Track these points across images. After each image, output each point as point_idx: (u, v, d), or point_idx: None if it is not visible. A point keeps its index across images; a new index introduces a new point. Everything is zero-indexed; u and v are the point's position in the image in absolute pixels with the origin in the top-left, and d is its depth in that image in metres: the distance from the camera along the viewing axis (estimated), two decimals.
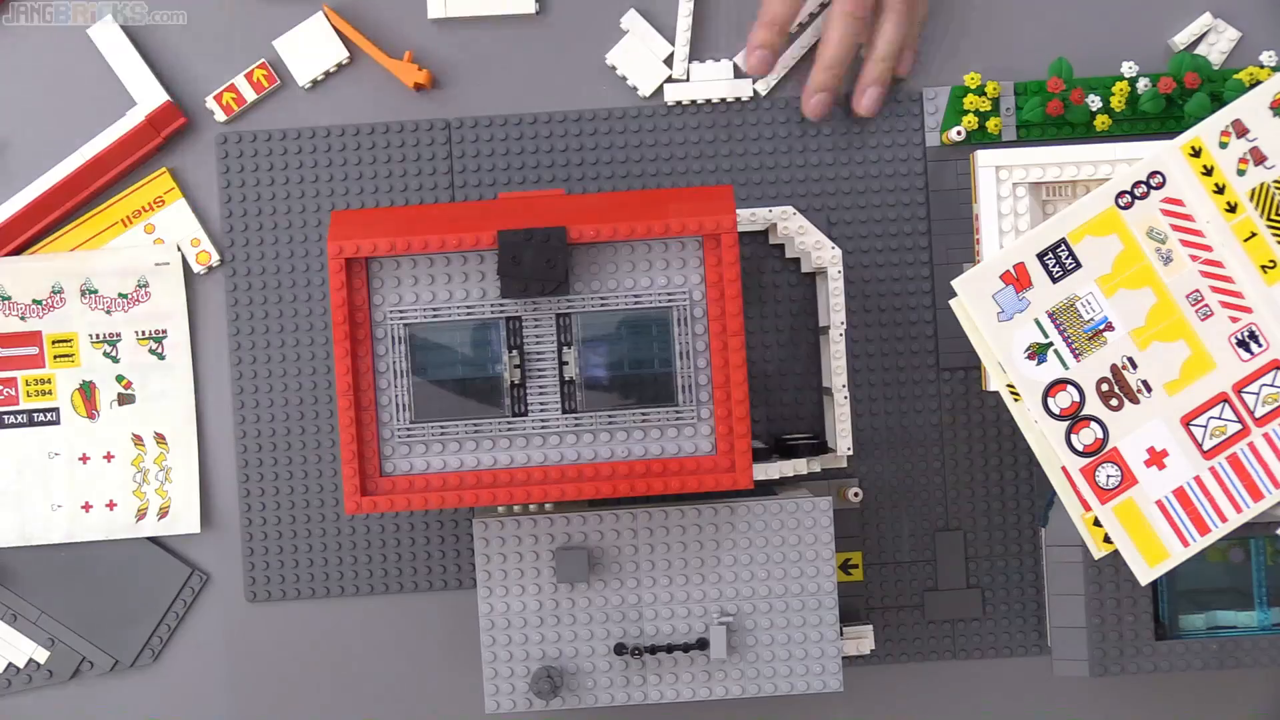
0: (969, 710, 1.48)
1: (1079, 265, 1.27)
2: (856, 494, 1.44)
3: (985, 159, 1.29)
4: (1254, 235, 1.26)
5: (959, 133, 1.46)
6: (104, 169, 1.46)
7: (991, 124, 1.45)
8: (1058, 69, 1.45)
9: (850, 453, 1.40)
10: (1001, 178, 1.29)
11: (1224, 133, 1.27)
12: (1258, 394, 1.27)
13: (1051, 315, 1.27)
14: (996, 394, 1.43)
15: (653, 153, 1.47)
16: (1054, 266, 1.26)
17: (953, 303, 1.30)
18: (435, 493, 1.28)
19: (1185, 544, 1.27)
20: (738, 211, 1.37)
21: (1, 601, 1.47)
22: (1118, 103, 1.45)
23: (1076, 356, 1.27)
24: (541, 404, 1.29)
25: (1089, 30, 1.48)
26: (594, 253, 1.28)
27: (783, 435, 1.44)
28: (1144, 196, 1.26)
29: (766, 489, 1.40)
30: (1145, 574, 1.27)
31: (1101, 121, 1.45)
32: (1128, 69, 1.45)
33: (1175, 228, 1.26)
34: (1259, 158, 1.26)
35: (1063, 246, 1.26)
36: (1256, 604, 1.38)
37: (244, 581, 1.48)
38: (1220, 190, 1.26)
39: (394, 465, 1.29)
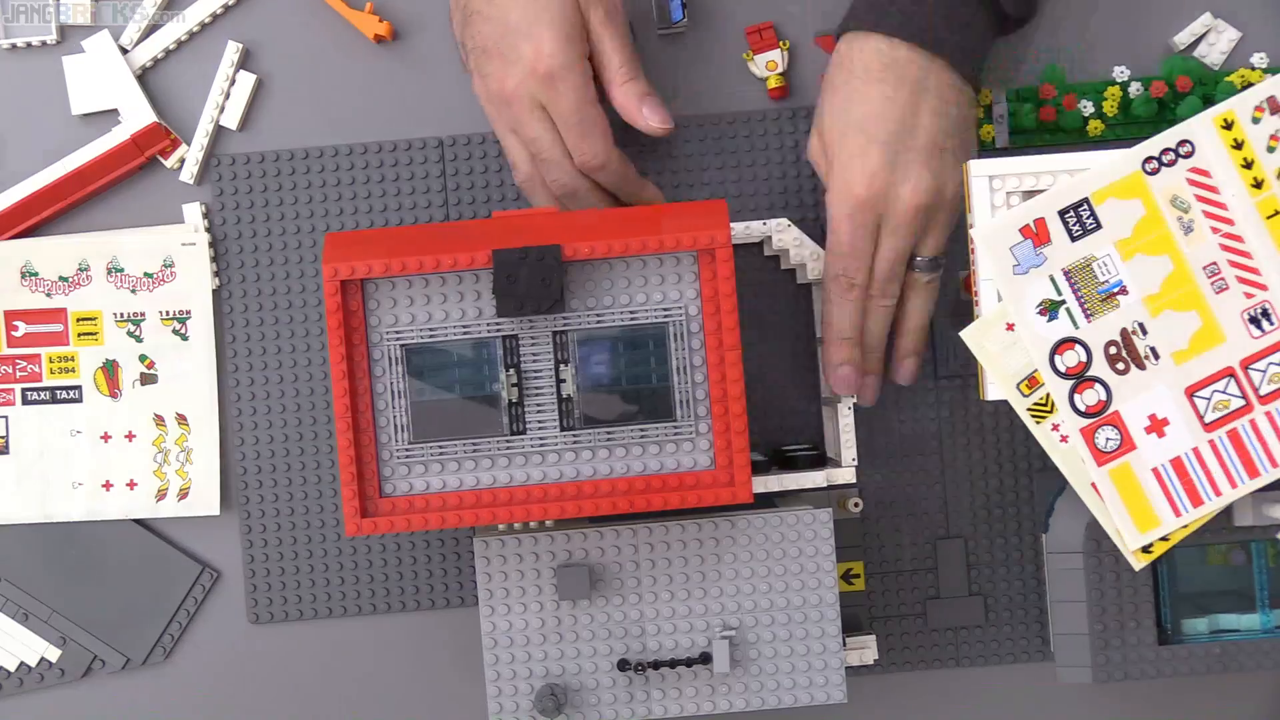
0: (972, 718, 1.48)
1: (1099, 226, 1.27)
2: (857, 504, 1.44)
3: (978, 169, 1.29)
4: (1277, 214, 1.26)
5: None
6: (85, 182, 1.46)
7: (984, 131, 1.46)
8: (1050, 75, 1.45)
9: (855, 463, 1.39)
10: (995, 187, 1.29)
11: (1258, 108, 1.27)
12: (1264, 372, 1.27)
13: (1067, 274, 1.27)
14: (994, 402, 1.43)
15: (644, 166, 1.47)
16: (1074, 225, 1.27)
17: (964, 334, 1.29)
18: (435, 513, 1.28)
19: (1177, 514, 1.27)
20: (732, 225, 1.37)
21: (13, 600, 1.47)
22: (1110, 108, 1.45)
23: (1088, 317, 1.27)
24: (540, 422, 1.29)
25: (1081, 35, 1.48)
26: (589, 270, 1.28)
27: (781, 447, 1.44)
28: (1171, 164, 1.26)
29: (767, 501, 1.40)
30: (1136, 539, 1.28)
31: (1094, 127, 1.45)
32: (1119, 73, 1.45)
33: (1199, 198, 1.26)
34: None
35: (1085, 206, 1.26)
36: (1259, 607, 1.38)
37: (246, 604, 1.48)
38: (1248, 165, 1.26)
39: (394, 486, 1.29)
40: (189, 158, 1.47)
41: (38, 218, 1.46)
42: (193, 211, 1.47)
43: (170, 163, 1.47)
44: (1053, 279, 1.27)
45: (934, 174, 1.33)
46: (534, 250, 1.25)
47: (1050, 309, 1.27)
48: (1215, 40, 1.47)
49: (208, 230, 1.47)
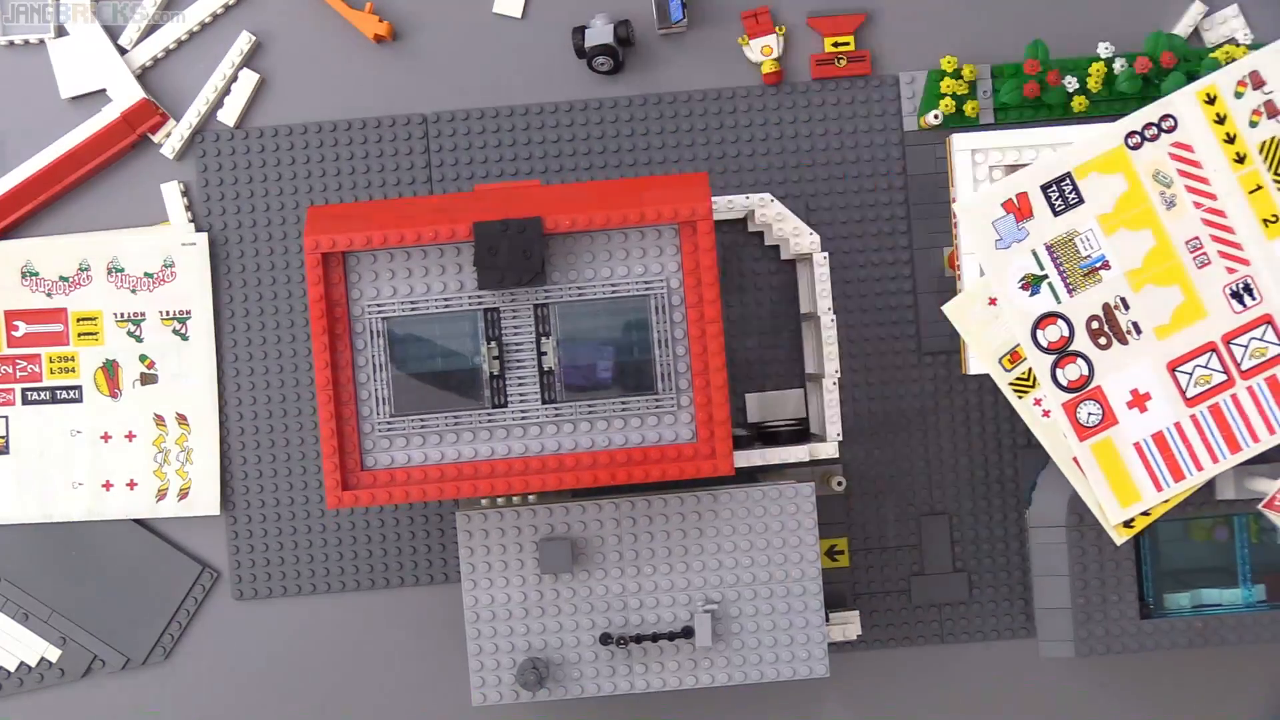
0: (956, 693, 1.48)
1: (1081, 201, 1.27)
2: (840, 482, 1.44)
3: (961, 142, 1.29)
4: (1259, 189, 1.26)
5: (936, 116, 1.45)
6: (79, 162, 1.46)
7: (969, 107, 1.45)
8: (1034, 51, 1.45)
9: (840, 439, 1.39)
10: (978, 160, 1.29)
11: (1241, 83, 1.27)
12: (1246, 347, 1.27)
13: (1049, 248, 1.27)
14: (978, 377, 1.43)
15: (629, 142, 1.47)
16: (1056, 199, 1.27)
17: (946, 308, 1.30)
18: (416, 485, 1.28)
19: (1159, 488, 1.27)
20: (714, 199, 1.37)
21: (13, 600, 1.47)
22: (1094, 84, 1.45)
23: (1070, 291, 1.27)
24: (521, 395, 1.29)
25: (1065, 11, 1.48)
26: (570, 243, 1.28)
27: (764, 422, 1.44)
28: (1154, 139, 1.27)
29: (750, 476, 1.40)
30: (1117, 514, 1.28)
31: (1079, 103, 1.45)
32: (1103, 49, 1.45)
33: (1182, 173, 1.27)
34: (1273, 111, 1.27)
35: (1067, 180, 1.27)
36: (1240, 581, 1.38)
37: (230, 580, 1.48)
38: (1231, 140, 1.26)
39: (375, 459, 1.29)
40: (175, 133, 1.47)
41: (34, 203, 1.46)
42: (171, 190, 1.47)
43: (158, 138, 1.47)
44: (1035, 253, 1.27)
45: None
46: (515, 223, 1.25)
47: (1032, 283, 1.27)
48: (1210, 26, 1.47)
49: (187, 209, 1.47)
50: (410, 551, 1.48)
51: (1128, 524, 1.29)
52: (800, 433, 1.41)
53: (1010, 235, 1.27)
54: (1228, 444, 1.27)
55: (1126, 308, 1.27)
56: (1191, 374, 1.27)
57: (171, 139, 1.47)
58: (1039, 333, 1.28)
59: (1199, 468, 1.27)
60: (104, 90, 1.47)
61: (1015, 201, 1.27)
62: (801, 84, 1.47)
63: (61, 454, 1.47)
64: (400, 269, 1.28)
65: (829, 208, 1.47)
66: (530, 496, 1.35)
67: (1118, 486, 1.28)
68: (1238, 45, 1.46)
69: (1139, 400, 1.27)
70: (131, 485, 1.47)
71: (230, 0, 1.48)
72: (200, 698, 1.48)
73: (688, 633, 1.33)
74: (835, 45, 1.48)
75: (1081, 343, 1.27)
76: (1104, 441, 1.28)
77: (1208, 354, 1.27)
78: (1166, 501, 1.28)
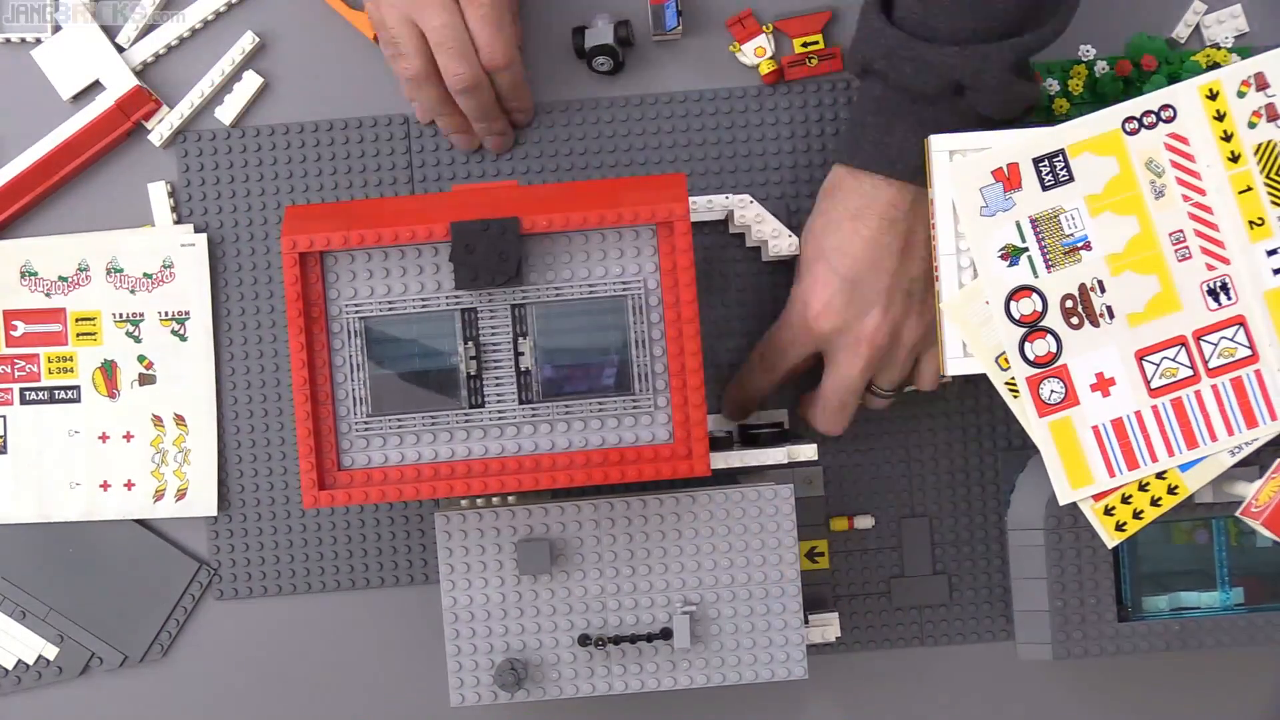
0: (935, 696, 1.48)
1: (1071, 179, 1.27)
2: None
3: (939, 143, 1.29)
4: (1249, 189, 1.27)
5: None
6: (75, 152, 1.46)
7: None
8: None
9: (819, 441, 1.39)
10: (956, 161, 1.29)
11: (1245, 82, 1.28)
12: (1216, 345, 1.27)
13: (1034, 222, 1.28)
14: (960, 382, 1.43)
15: (610, 144, 1.47)
16: (1047, 175, 1.27)
17: (944, 304, 1.29)
18: (393, 485, 1.28)
19: (1111, 474, 1.28)
20: (694, 199, 1.37)
21: (10, 598, 1.47)
22: (1075, 86, 1.45)
23: (1049, 267, 1.28)
24: (498, 395, 1.29)
25: None
26: (548, 243, 1.28)
27: (745, 424, 1.44)
28: (1151, 126, 1.27)
29: (730, 478, 1.40)
30: (1066, 495, 1.29)
31: (1059, 105, 1.45)
32: (1085, 52, 1.45)
33: (1175, 164, 1.27)
34: (1273, 114, 1.27)
35: (1060, 157, 1.27)
36: (1219, 584, 1.38)
37: (214, 580, 1.48)
38: (1227, 138, 1.27)
39: (352, 459, 1.29)
40: (166, 120, 1.47)
41: (31, 195, 1.46)
42: (158, 190, 1.47)
43: (151, 124, 1.47)
44: (1019, 225, 1.28)
45: (891, 314, 1.33)
46: (492, 223, 1.25)
47: (1012, 254, 1.28)
48: (1211, 24, 1.47)
49: (174, 210, 1.47)
50: (391, 552, 1.48)
51: (1120, 527, 1.29)
52: (780, 434, 1.41)
53: (996, 204, 1.28)
54: (1185, 439, 1.28)
55: (1102, 291, 1.28)
56: (1158, 365, 1.27)
57: (161, 126, 1.47)
58: (1012, 304, 1.28)
59: (1154, 459, 1.28)
60: (98, 82, 1.48)
61: (1005, 171, 1.27)
62: (798, 83, 1.47)
63: (59, 454, 1.47)
64: (378, 269, 1.28)
65: (809, 210, 1.46)
66: (510, 497, 1.35)
67: (1071, 467, 1.28)
68: (1218, 49, 1.46)
69: (1103, 384, 1.28)
70: (129, 486, 1.46)
71: (230, 0, 1.48)
72: (198, 695, 1.48)
73: (666, 634, 1.32)
74: (804, 45, 1.48)
75: (1053, 320, 1.28)
76: (1063, 420, 1.28)
77: (1177, 347, 1.28)
78: (1157, 506, 1.28)
